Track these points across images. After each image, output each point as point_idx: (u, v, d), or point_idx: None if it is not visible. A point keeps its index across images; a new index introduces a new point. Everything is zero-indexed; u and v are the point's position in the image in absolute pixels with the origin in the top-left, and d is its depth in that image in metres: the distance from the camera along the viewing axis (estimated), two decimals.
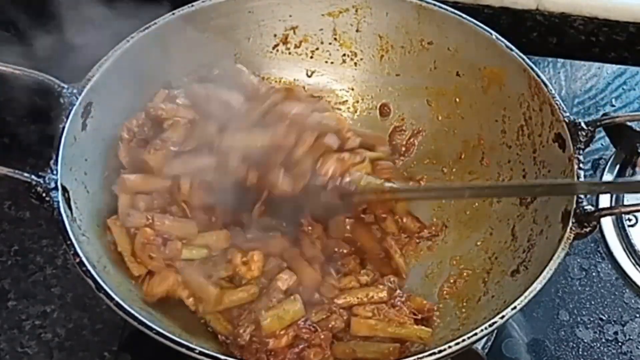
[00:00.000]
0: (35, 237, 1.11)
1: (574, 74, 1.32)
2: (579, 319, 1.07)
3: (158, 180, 0.97)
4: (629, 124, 1.06)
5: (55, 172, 0.87)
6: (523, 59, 1.01)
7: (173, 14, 1.03)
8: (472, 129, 1.08)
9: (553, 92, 0.97)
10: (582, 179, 0.90)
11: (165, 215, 0.95)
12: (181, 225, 0.95)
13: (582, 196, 0.88)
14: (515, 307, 0.82)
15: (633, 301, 1.08)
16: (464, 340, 0.81)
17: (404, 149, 1.12)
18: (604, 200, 1.16)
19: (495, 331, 0.95)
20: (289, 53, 1.13)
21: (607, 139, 1.08)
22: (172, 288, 0.92)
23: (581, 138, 0.93)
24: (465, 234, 1.05)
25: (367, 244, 1.02)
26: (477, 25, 1.04)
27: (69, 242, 0.83)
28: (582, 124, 0.93)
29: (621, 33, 1.34)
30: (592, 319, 1.07)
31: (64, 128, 0.90)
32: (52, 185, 0.85)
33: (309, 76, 1.15)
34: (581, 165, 0.91)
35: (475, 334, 0.81)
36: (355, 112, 1.15)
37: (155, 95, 1.04)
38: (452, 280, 1.01)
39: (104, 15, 1.01)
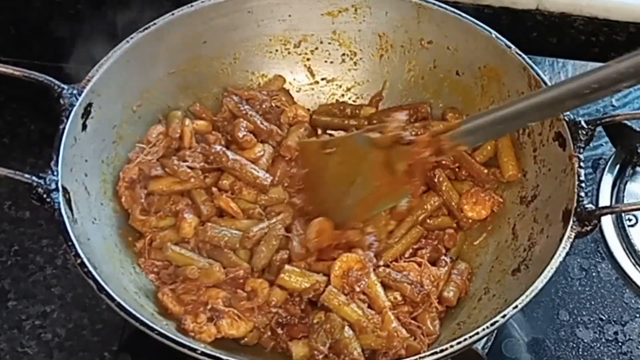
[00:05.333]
0: (35, 237, 1.11)
1: (574, 74, 1.32)
2: (579, 319, 1.07)
3: None
4: (629, 123, 1.06)
5: (55, 173, 0.86)
6: (522, 57, 1.01)
7: (173, 14, 1.03)
8: None
9: None
10: (582, 177, 0.90)
11: None
12: None
13: (582, 195, 0.88)
14: (516, 306, 0.82)
15: (633, 301, 1.08)
16: (465, 340, 0.81)
17: None
18: (605, 199, 1.16)
19: (496, 331, 0.94)
20: (289, 53, 1.13)
21: (607, 138, 1.08)
22: None
23: (581, 137, 0.93)
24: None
25: None
26: (477, 24, 1.04)
27: (70, 243, 0.83)
28: (582, 123, 0.93)
29: (621, 33, 1.34)
30: (592, 319, 1.07)
31: (64, 129, 0.90)
32: (53, 186, 0.85)
33: (309, 76, 1.15)
34: (581, 163, 0.91)
35: (477, 333, 0.81)
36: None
37: None
38: None
39: None
